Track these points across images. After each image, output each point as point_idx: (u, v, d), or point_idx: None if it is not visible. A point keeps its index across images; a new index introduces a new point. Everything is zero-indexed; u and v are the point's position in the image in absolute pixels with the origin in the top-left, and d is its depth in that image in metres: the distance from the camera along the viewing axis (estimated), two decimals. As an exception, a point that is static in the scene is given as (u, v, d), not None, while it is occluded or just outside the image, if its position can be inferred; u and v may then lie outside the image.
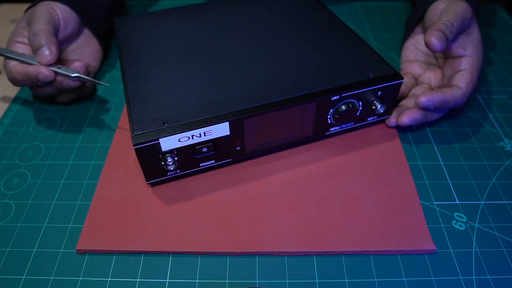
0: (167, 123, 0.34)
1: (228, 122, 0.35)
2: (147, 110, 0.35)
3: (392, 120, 0.43)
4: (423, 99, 0.39)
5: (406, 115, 0.41)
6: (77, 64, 0.42)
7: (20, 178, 0.40)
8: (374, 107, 0.40)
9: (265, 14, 0.48)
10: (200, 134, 0.35)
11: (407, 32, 0.49)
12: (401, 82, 0.39)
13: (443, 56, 0.45)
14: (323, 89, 0.37)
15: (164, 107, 0.36)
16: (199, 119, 0.34)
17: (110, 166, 0.40)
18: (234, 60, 0.41)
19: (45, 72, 0.39)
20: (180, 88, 0.38)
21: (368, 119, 0.42)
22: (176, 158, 0.35)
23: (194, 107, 0.36)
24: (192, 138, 0.35)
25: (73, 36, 0.47)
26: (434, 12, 0.44)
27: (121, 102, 0.49)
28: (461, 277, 0.32)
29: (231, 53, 0.42)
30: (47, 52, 0.40)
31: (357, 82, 0.38)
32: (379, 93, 0.40)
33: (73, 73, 0.41)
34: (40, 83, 0.41)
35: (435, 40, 0.39)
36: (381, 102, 0.40)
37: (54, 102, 0.49)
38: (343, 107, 0.39)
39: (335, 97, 0.38)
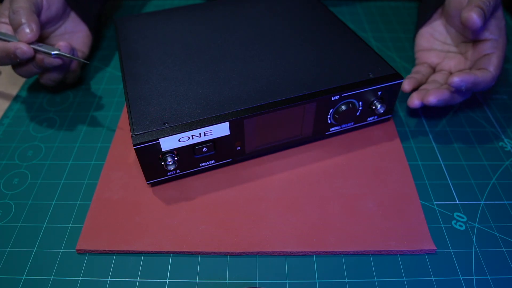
0: (167, 123, 0.34)
1: (228, 122, 0.35)
2: (147, 110, 0.35)
3: (415, 100, 0.41)
4: (456, 79, 0.38)
5: (433, 95, 0.40)
6: (61, 43, 0.42)
7: (20, 178, 0.40)
8: (374, 107, 0.40)
9: (265, 14, 0.48)
10: (200, 134, 0.35)
11: (423, 20, 0.48)
12: (401, 82, 0.39)
13: (464, 41, 0.45)
14: (323, 89, 0.37)
15: (164, 107, 0.36)
16: (199, 119, 0.34)
17: (110, 166, 0.40)
18: (234, 60, 0.41)
19: (23, 48, 0.39)
20: (180, 88, 0.38)
21: (368, 119, 0.42)
22: (176, 158, 0.35)
23: (194, 107, 0.36)
24: (192, 138, 0.35)
25: (58, 18, 0.47)
26: None
27: (121, 102, 0.49)
28: (461, 277, 0.32)
29: (231, 53, 0.42)
30: (27, 30, 0.40)
31: (357, 82, 0.38)
32: (379, 93, 0.40)
33: (54, 51, 0.40)
34: (18, 60, 0.40)
35: (476, 16, 0.38)
36: (381, 102, 0.40)
37: (53, 97, 0.49)
38: (343, 107, 0.39)
39: (335, 97, 0.38)
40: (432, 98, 0.40)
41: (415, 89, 0.44)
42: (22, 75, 0.45)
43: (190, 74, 0.39)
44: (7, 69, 0.55)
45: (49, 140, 0.44)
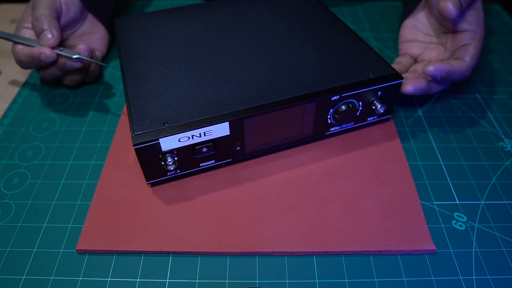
0: (167, 123, 0.34)
1: (228, 122, 0.35)
2: (147, 110, 0.35)
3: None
4: (431, 68, 0.39)
5: (410, 84, 0.41)
6: (80, 47, 0.44)
7: (20, 178, 0.40)
8: (374, 107, 0.40)
9: (265, 14, 0.48)
10: (200, 134, 0.35)
11: (407, 11, 0.49)
12: (401, 82, 0.39)
13: (445, 32, 0.46)
14: (323, 89, 0.37)
15: (164, 107, 0.36)
16: (199, 119, 0.34)
17: (110, 166, 0.40)
18: (234, 60, 0.41)
19: (47, 52, 0.42)
20: (180, 88, 0.38)
21: (368, 119, 0.42)
22: (176, 158, 0.35)
23: (194, 107, 0.36)
24: (192, 138, 0.35)
25: (77, 20, 0.49)
26: None
27: (121, 102, 0.49)
28: (461, 277, 0.32)
29: (231, 53, 0.42)
30: (49, 36, 0.42)
31: (357, 82, 0.38)
32: (379, 93, 0.40)
33: (74, 55, 0.43)
34: (43, 63, 0.43)
35: (452, 6, 0.39)
36: (381, 102, 0.40)
37: (53, 96, 0.49)
38: (343, 107, 0.39)
39: (335, 97, 0.38)
40: (409, 87, 0.41)
41: None
42: (45, 78, 0.47)
43: (190, 74, 0.39)
44: (7, 69, 0.55)
45: (49, 140, 0.44)
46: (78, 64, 0.44)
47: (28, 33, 0.45)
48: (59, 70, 0.45)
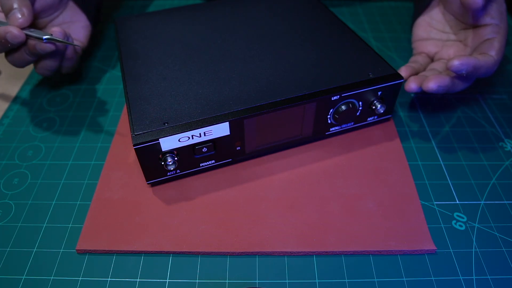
0: (167, 123, 0.34)
1: (228, 122, 0.35)
2: (147, 110, 0.35)
3: (411, 84, 0.39)
4: (456, 63, 0.36)
5: (433, 81, 0.38)
6: (53, 29, 0.41)
7: (20, 178, 0.40)
8: (374, 107, 0.40)
9: (265, 14, 0.48)
10: (200, 134, 0.35)
11: (420, 9, 0.47)
12: (401, 82, 0.39)
13: (464, 28, 0.44)
14: (323, 89, 0.37)
15: (164, 107, 0.36)
16: (199, 119, 0.34)
17: (110, 166, 0.40)
18: (234, 60, 0.41)
19: (14, 32, 0.38)
20: (180, 88, 0.38)
21: (368, 119, 0.42)
22: (176, 158, 0.35)
23: (194, 107, 0.36)
24: (192, 138, 0.35)
25: (55, 6, 0.45)
26: None
27: (121, 102, 0.49)
28: (461, 277, 0.32)
29: (231, 53, 0.42)
30: (18, 15, 0.39)
31: (357, 82, 0.38)
32: (379, 93, 0.40)
33: (45, 35, 0.39)
34: (9, 45, 0.39)
35: None
36: (381, 102, 0.40)
37: (54, 97, 0.49)
38: (343, 107, 0.39)
39: (335, 97, 0.38)
40: (432, 84, 0.38)
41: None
42: (15, 64, 0.43)
43: (190, 74, 0.39)
44: (7, 69, 0.55)
45: (49, 140, 0.44)
46: (50, 47, 0.40)
47: None
48: (29, 54, 0.41)
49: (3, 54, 0.56)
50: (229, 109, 0.35)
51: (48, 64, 0.44)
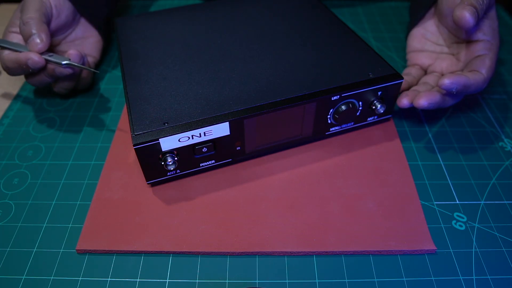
0: (167, 123, 0.34)
1: (228, 122, 0.35)
2: (147, 110, 0.35)
3: (403, 100, 0.41)
4: (447, 82, 0.37)
5: (424, 98, 0.39)
6: (70, 52, 0.42)
7: (20, 178, 0.40)
8: (374, 107, 0.40)
9: (265, 14, 0.48)
10: (200, 134, 0.35)
11: (415, 20, 0.47)
12: (401, 82, 0.39)
13: (457, 41, 0.44)
14: (323, 89, 0.37)
15: (164, 107, 0.36)
16: (199, 119, 0.34)
17: (110, 166, 0.40)
18: (234, 60, 0.41)
19: (34, 58, 0.40)
20: (180, 88, 0.38)
21: (368, 119, 0.42)
22: (176, 158, 0.35)
23: (194, 107, 0.36)
24: (192, 138, 0.35)
25: (68, 25, 0.47)
26: None
27: (121, 102, 0.49)
28: (461, 277, 0.32)
29: (231, 53, 0.42)
30: (37, 40, 0.40)
31: (357, 82, 0.38)
32: (379, 93, 0.40)
33: (64, 61, 0.41)
34: (30, 70, 0.41)
35: (469, 15, 0.37)
36: (381, 102, 0.40)
37: (53, 96, 0.49)
38: (343, 107, 0.39)
39: (335, 97, 0.38)
40: (423, 101, 0.39)
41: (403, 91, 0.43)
42: (34, 85, 0.45)
43: (190, 74, 0.39)
44: (7, 69, 0.55)
45: (49, 140, 0.44)
46: (68, 71, 0.42)
47: (16, 38, 0.43)
48: (48, 77, 0.43)
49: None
50: (229, 109, 0.35)
51: (66, 84, 0.46)
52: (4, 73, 0.54)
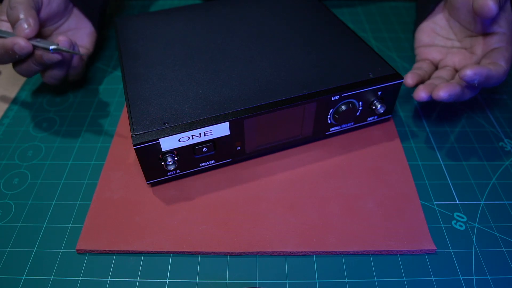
0: (167, 123, 0.34)
1: (228, 122, 0.35)
2: (147, 110, 0.35)
3: (421, 93, 0.39)
4: (470, 72, 0.35)
5: (444, 89, 0.37)
6: (60, 38, 0.41)
7: (20, 178, 0.40)
8: (374, 107, 0.40)
9: (265, 14, 0.48)
10: (200, 134, 0.35)
11: (424, 14, 0.46)
12: (401, 82, 0.39)
13: (469, 35, 0.43)
14: (323, 89, 0.37)
15: (164, 107, 0.36)
16: (199, 119, 0.34)
17: (110, 166, 0.40)
18: (234, 60, 0.41)
19: (21, 43, 0.38)
20: (180, 88, 0.38)
21: (368, 119, 0.42)
22: (176, 158, 0.35)
23: (194, 107, 0.36)
24: (192, 138, 0.35)
25: (60, 14, 0.46)
26: None
27: (121, 102, 0.49)
28: (461, 277, 0.32)
29: (231, 53, 0.42)
30: (25, 25, 0.39)
31: (357, 82, 0.38)
32: (379, 93, 0.40)
33: (51, 46, 0.39)
34: (17, 56, 0.39)
35: (492, 3, 0.35)
36: (381, 102, 0.40)
37: (53, 97, 0.49)
38: (343, 107, 0.39)
39: (335, 97, 0.38)
40: (443, 93, 0.37)
41: (418, 85, 0.43)
42: (23, 74, 0.43)
43: (190, 74, 0.39)
44: (7, 69, 0.55)
45: (49, 140, 0.44)
46: (56, 57, 0.40)
47: (5, 26, 0.41)
48: (36, 64, 0.41)
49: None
50: (229, 109, 0.35)
51: (55, 73, 0.44)
52: (4, 73, 0.54)
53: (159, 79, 0.39)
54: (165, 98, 0.37)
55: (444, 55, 0.45)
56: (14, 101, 0.49)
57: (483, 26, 0.41)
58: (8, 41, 0.39)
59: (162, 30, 0.46)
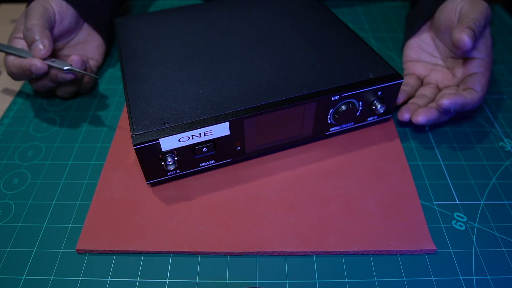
0: (167, 123, 0.34)
1: (228, 122, 0.35)
2: (147, 110, 0.35)
3: (405, 115, 0.42)
4: (446, 102, 0.39)
5: (423, 115, 0.40)
6: (72, 57, 0.43)
7: (20, 178, 0.40)
8: (374, 107, 0.40)
9: (265, 14, 0.48)
10: (200, 134, 0.35)
11: (411, 31, 0.49)
12: (401, 82, 0.39)
13: (453, 56, 0.45)
14: (323, 89, 0.37)
15: (164, 107, 0.36)
16: (199, 119, 0.34)
17: (110, 166, 0.40)
18: (234, 60, 0.41)
19: (37, 64, 0.41)
20: (180, 88, 0.38)
21: (368, 119, 0.42)
22: (176, 158, 0.35)
23: (194, 107, 0.36)
24: (192, 138, 0.35)
25: (71, 30, 0.48)
26: (452, 11, 0.43)
27: (121, 102, 0.49)
28: (461, 277, 0.32)
29: (231, 53, 0.42)
30: (40, 46, 0.41)
31: (357, 82, 0.38)
32: (379, 93, 0.40)
33: (65, 66, 0.41)
34: (34, 75, 0.42)
35: (467, 38, 0.38)
36: (381, 102, 0.40)
37: (54, 97, 0.49)
38: (343, 107, 0.39)
39: (335, 97, 0.38)
40: (421, 118, 0.40)
41: (403, 102, 0.45)
42: (38, 89, 0.46)
43: (190, 74, 0.39)
44: (7, 69, 0.55)
45: (49, 140, 0.44)
46: (70, 76, 0.43)
47: (21, 44, 0.44)
48: (51, 82, 0.44)
49: (1, 55, 0.56)
50: (229, 109, 0.35)
51: (68, 89, 0.47)
52: (4, 73, 0.54)
53: (159, 79, 0.39)
54: (165, 98, 0.37)
55: (429, 71, 0.47)
56: (14, 101, 0.49)
57: (463, 51, 0.42)
58: (26, 62, 0.41)
59: (162, 30, 0.46)
